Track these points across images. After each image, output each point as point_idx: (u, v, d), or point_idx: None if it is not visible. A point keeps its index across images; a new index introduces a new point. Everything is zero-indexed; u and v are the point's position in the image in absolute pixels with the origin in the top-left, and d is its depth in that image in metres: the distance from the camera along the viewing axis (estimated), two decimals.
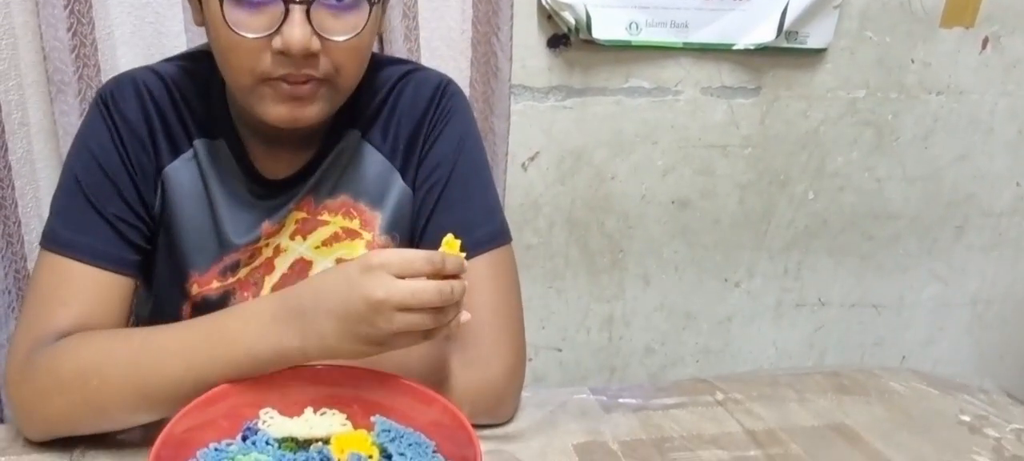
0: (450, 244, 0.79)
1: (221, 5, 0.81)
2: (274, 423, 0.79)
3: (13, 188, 1.27)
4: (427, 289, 0.75)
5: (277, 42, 0.81)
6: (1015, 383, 1.98)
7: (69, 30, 1.21)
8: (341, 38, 0.84)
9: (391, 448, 0.77)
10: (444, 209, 0.99)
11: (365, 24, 0.85)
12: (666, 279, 1.71)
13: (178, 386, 0.79)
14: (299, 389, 0.81)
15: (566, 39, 1.46)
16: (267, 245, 0.99)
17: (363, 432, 0.79)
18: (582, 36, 1.44)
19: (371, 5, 0.85)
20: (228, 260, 0.98)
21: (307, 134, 0.97)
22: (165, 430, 0.72)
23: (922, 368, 1.89)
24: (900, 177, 1.71)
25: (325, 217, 1.00)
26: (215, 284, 0.99)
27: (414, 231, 1.02)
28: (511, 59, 1.38)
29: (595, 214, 1.61)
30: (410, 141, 1.01)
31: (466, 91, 1.40)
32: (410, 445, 0.77)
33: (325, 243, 1.00)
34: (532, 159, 1.54)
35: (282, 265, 1.00)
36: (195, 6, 0.90)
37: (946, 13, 1.57)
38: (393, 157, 1.01)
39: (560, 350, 1.73)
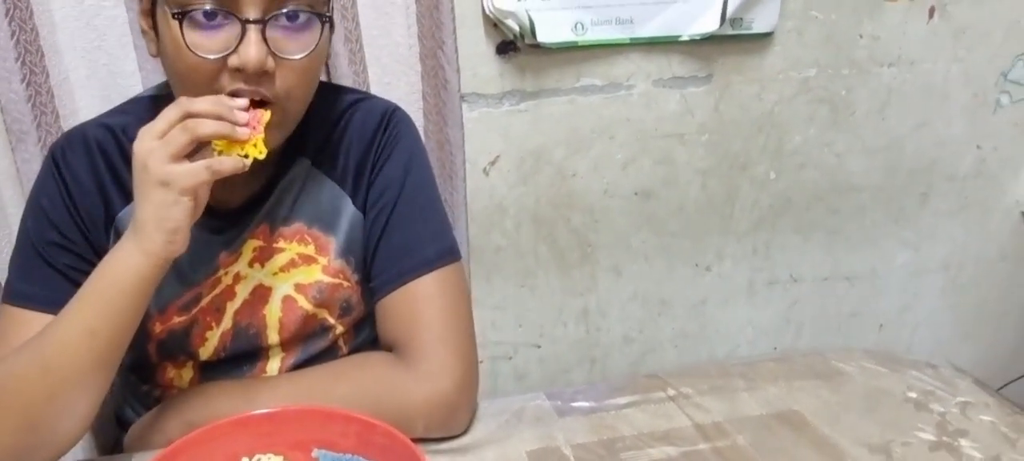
0: None
1: (181, 29, 0.85)
2: None
3: None
4: (167, 111, 0.82)
5: (234, 60, 0.85)
6: (992, 341, 2.01)
7: (23, 81, 1.24)
8: (296, 56, 0.88)
9: None
10: (394, 230, 1.03)
11: (317, 42, 0.89)
12: (637, 269, 1.73)
13: (77, 348, 0.84)
14: (229, 443, 0.84)
15: (514, 45, 1.48)
16: (226, 273, 1.03)
17: None
18: (528, 41, 1.46)
19: (322, 24, 0.89)
20: (189, 295, 1.02)
21: (258, 164, 0.96)
22: None
23: (900, 335, 1.93)
24: (860, 150, 1.73)
25: (281, 244, 1.04)
26: (176, 319, 1.02)
27: (366, 253, 1.05)
28: (458, 70, 1.40)
29: (560, 211, 1.64)
30: (359, 167, 1.05)
31: (419, 104, 1.43)
32: None
33: (282, 269, 1.04)
34: (493, 163, 1.56)
35: (243, 292, 1.03)
36: (151, 37, 0.94)
37: None
38: (343, 183, 1.05)
39: (539, 347, 1.76)
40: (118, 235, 0.97)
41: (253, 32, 0.85)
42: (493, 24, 1.46)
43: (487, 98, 1.51)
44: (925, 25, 1.64)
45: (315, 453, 0.83)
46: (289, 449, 0.84)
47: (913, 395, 1.05)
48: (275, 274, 1.03)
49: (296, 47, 0.88)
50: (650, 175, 1.65)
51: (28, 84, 1.25)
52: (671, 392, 1.06)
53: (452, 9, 1.38)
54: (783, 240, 1.79)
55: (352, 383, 0.96)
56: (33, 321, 0.92)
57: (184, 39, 0.85)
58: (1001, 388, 1.96)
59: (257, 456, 0.84)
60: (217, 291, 1.03)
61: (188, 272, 1.01)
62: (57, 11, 1.27)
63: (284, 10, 0.86)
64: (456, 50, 1.40)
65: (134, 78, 1.33)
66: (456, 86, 1.42)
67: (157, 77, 1.26)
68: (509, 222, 1.63)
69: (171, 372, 1.06)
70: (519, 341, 1.75)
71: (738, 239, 1.76)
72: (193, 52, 0.85)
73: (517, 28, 1.44)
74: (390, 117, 1.07)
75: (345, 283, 1.05)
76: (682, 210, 1.70)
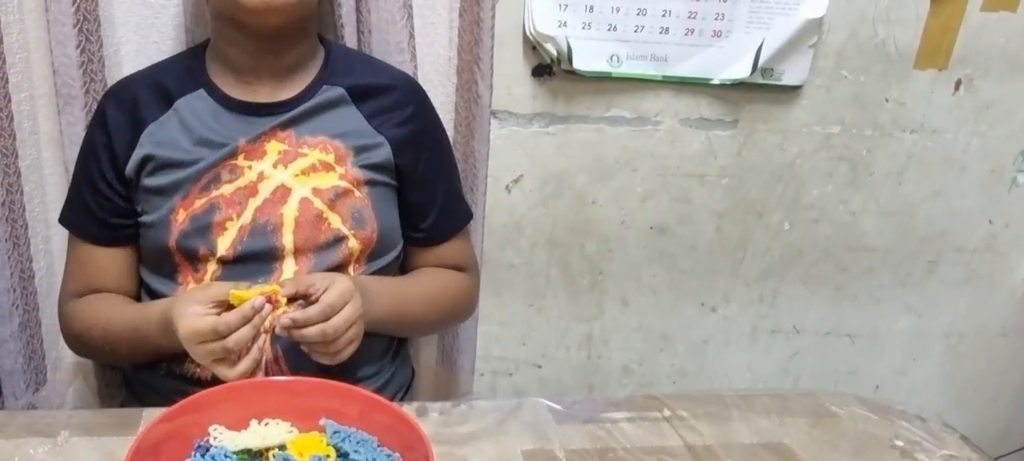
0: (237, 297, 1.00)
1: None
2: (225, 438, 0.86)
3: (22, 193, 1.35)
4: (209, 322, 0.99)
5: None
6: (986, 413, 2.03)
7: (77, 47, 1.30)
8: None
9: (345, 447, 0.85)
10: (441, 185, 1.31)
11: None
12: (644, 301, 1.77)
13: (128, 354, 1.20)
14: (242, 405, 0.89)
15: (549, 69, 1.53)
16: (249, 168, 1.16)
17: (316, 435, 0.87)
18: (564, 67, 1.51)
19: None
20: (208, 176, 1.15)
21: (284, 73, 1.20)
22: None
23: (895, 397, 1.94)
24: (874, 211, 1.77)
25: (305, 150, 1.19)
26: (197, 203, 1.15)
27: (407, 193, 1.27)
28: (491, 87, 1.45)
29: (576, 236, 1.68)
30: (398, 121, 1.25)
31: (451, 115, 1.48)
32: (359, 442, 0.84)
33: (303, 172, 1.18)
34: (515, 182, 1.61)
35: (265, 190, 1.17)
36: None
37: (920, 55, 1.63)
38: (372, 118, 1.23)
39: (540, 367, 1.79)
40: (143, 146, 1.17)
41: None
42: (532, 46, 1.51)
43: (517, 117, 1.56)
44: (950, 96, 1.68)
45: (322, 421, 0.87)
46: (299, 416, 0.88)
47: (900, 443, 1.08)
48: (296, 176, 1.18)
49: None
50: (667, 211, 1.69)
51: (82, 51, 1.30)
52: (667, 413, 1.09)
53: (492, 27, 1.42)
54: (790, 290, 1.82)
55: (442, 282, 1.32)
56: (79, 245, 1.23)
57: None
58: None
59: (267, 420, 0.88)
60: (240, 182, 1.16)
61: (207, 145, 1.17)
62: None
63: None
64: (492, 68, 1.45)
65: None
66: (487, 102, 1.46)
67: None
68: (525, 241, 1.67)
69: (190, 286, 1.16)
70: (521, 359, 1.78)
71: (746, 284, 1.79)
72: None
73: (555, 53, 1.49)
74: (424, 94, 1.33)
75: (357, 193, 1.19)
76: (694, 249, 1.74)
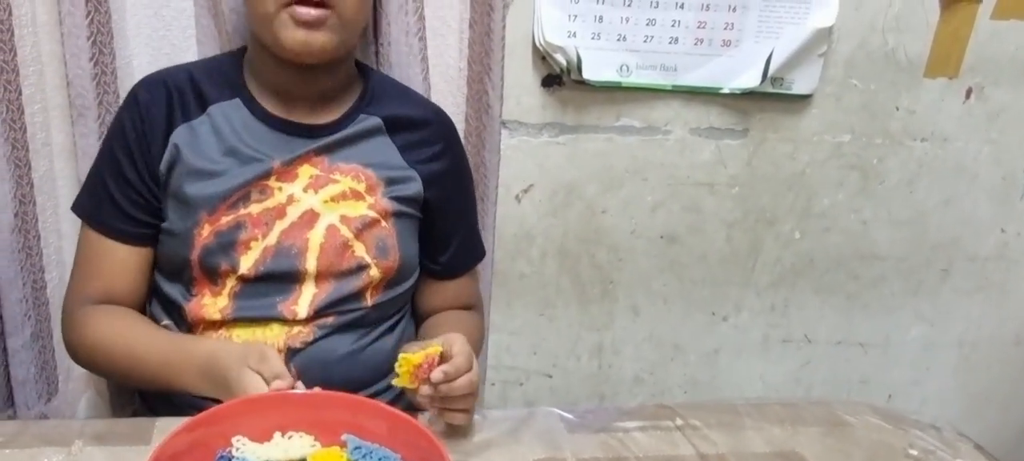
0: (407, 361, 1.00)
1: None
2: (247, 449, 0.86)
3: (35, 204, 1.36)
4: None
5: None
6: (1000, 423, 2.02)
7: (91, 59, 1.30)
8: None
9: None
10: (463, 222, 1.35)
11: None
12: (655, 311, 1.77)
13: (147, 383, 1.16)
14: (265, 417, 0.89)
15: (559, 79, 1.53)
16: (280, 189, 1.15)
17: (337, 449, 0.87)
18: (574, 77, 1.51)
19: None
20: (239, 193, 1.14)
21: (320, 97, 1.19)
22: None
23: (908, 407, 1.94)
24: (886, 220, 1.76)
25: (337, 177, 1.18)
26: (224, 219, 1.13)
27: (429, 226, 1.28)
28: (502, 97, 1.46)
29: (586, 246, 1.68)
30: (430, 156, 1.26)
31: (461, 125, 1.48)
32: (380, 459, 0.84)
33: (333, 199, 1.18)
34: (525, 191, 1.61)
35: (293, 213, 1.16)
36: None
37: (930, 64, 1.63)
38: (407, 156, 1.24)
39: (551, 376, 1.79)
40: (175, 147, 1.15)
41: None
42: (541, 57, 1.51)
43: (527, 127, 1.56)
44: (961, 104, 1.68)
45: (344, 437, 0.87)
46: (321, 430, 0.88)
47: (914, 452, 1.07)
48: (325, 202, 1.17)
49: None
50: (678, 220, 1.69)
51: (95, 63, 1.31)
52: (679, 422, 1.09)
53: (503, 38, 1.43)
54: (801, 299, 1.81)
55: (473, 325, 1.33)
56: (95, 240, 1.17)
57: None
58: None
59: (290, 432, 0.88)
60: (268, 203, 1.15)
61: (241, 159, 1.15)
62: None
63: None
64: (502, 78, 1.45)
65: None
66: (498, 112, 1.47)
67: None
68: (535, 251, 1.67)
69: (207, 300, 1.15)
70: (532, 368, 1.78)
71: (757, 293, 1.79)
72: None
73: (564, 63, 1.50)
74: (455, 130, 1.34)
75: (384, 223, 1.19)
76: (705, 258, 1.73)
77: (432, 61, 1.44)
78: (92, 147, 1.32)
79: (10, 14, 1.28)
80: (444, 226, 1.30)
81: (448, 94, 1.46)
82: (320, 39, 1.09)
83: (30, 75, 1.31)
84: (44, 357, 1.41)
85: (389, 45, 1.38)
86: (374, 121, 1.22)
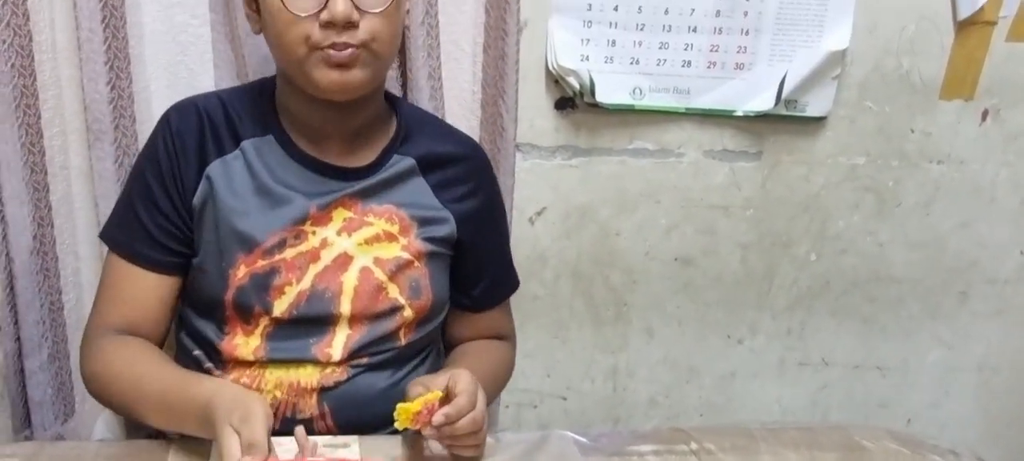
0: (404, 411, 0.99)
1: None
2: None
3: (52, 226, 1.37)
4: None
5: (325, 15, 1.03)
6: (1021, 449, 1.99)
7: (108, 84, 1.32)
8: (375, 9, 1.06)
9: None
10: (496, 256, 1.34)
11: None
12: (669, 333, 1.76)
13: (151, 421, 1.09)
14: None
15: (572, 102, 1.54)
16: (314, 233, 1.14)
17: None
18: (587, 100, 1.52)
19: None
20: (275, 238, 1.13)
21: (353, 136, 1.18)
22: None
23: (928, 431, 1.92)
24: (902, 242, 1.75)
25: (370, 219, 1.17)
26: (260, 263, 1.12)
27: (461, 261, 1.27)
28: (516, 120, 1.46)
29: (600, 268, 1.68)
30: (463, 194, 1.25)
31: None
32: None
33: (367, 241, 1.17)
34: (539, 214, 1.61)
35: (326, 257, 1.15)
36: (254, 18, 1.14)
37: (945, 85, 1.62)
38: (438, 192, 1.23)
39: (565, 399, 1.79)
40: (209, 182, 1.13)
41: None
42: (554, 80, 1.52)
43: (541, 150, 1.57)
44: (977, 127, 1.67)
45: None
46: None
47: None
48: (359, 245, 1.17)
49: (375, 1, 1.05)
50: (692, 243, 1.69)
51: (112, 88, 1.33)
52: (694, 446, 1.09)
53: (517, 62, 1.44)
54: (818, 322, 1.80)
55: (499, 357, 1.34)
56: (122, 268, 1.15)
57: (283, 2, 1.03)
58: None
59: None
60: (302, 248, 1.14)
61: (278, 213, 1.14)
62: (148, 24, 1.35)
63: None
64: (516, 101, 1.46)
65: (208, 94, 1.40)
66: (512, 135, 1.48)
67: None
68: (549, 273, 1.67)
69: (239, 339, 1.14)
70: (545, 391, 1.78)
71: (773, 316, 1.78)
72: (289, 9, 1.03)
73: (577, 86, 1.50)
74: (487, 162, 1.34)
75: (417, 264, 1.18)
76: (720, 281, 1.73)
77: (446, 84, 1.45)
78: (109, 170, 1.34)
79: (30, 40, 1.29)
80: (476, 262, 1.29)
81: (462, 118, 1.47)
82: (355, 78, 1.07)
83: (49, 99, 1.33)
84: (61, 378, 1.43)
85: (408, 64, 1.40)
86: (408, 162, 1.21)
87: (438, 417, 0.97)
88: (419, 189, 1.21)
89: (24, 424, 1.42)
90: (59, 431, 1.44)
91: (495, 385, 1.32)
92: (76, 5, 1.29)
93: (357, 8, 1.03)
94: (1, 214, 1.33)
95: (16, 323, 1.37)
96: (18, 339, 1.38)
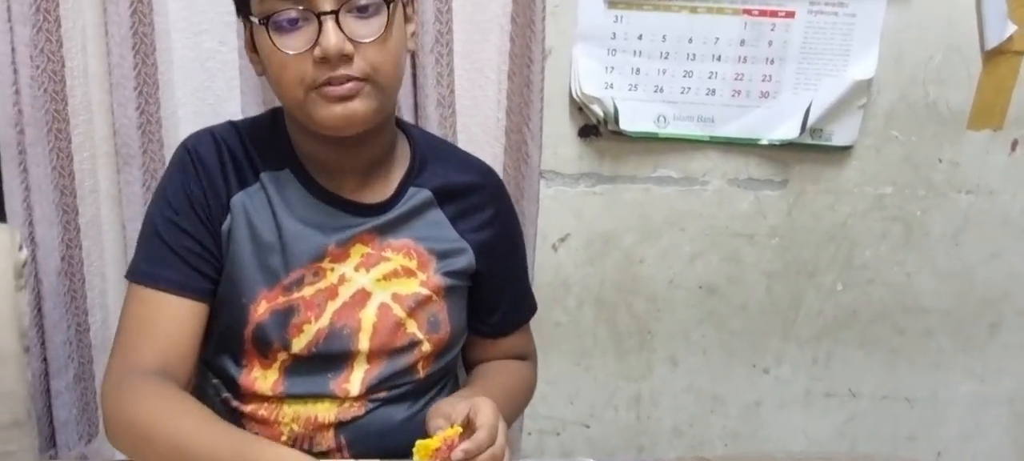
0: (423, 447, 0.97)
1: (270, 35, 1.00)
2: None
3: (80, 248, 1.40)
4: None
5: (317, 52, 0.99)
6: None
7: (137, 109, 1.34)
8: (368, 39, 1.01)
9: None
10: (514, 282, 1.31)
11: (387, 24, 1.02)
12: (694, 362, 1.75)
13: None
14: None
15: (596, 129, 1.54)
16: (332, 270, 1.13)
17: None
18: (611, 127, 1.52)
19: (389, 7, 1.02)
20: (294, 276, 1.11)
21: (367, 169, 1.15)
22: None
23: None
24: (930, 273, 1.73)
25: (388, 254, 1.15)
26: (281, 299, 1.11)
27: (478, 290, 1.25)
28: (540, 147, 1.47)
29: (623, 296, 1.68)
30: (478, 223, 1.22)
31: (499, 175, 1.49)
32: None
33: (385, 277, 1.15)
34: (562, 240, 1.61)
35: (344, 294, 1.13)
36: (256, 61, 1.10)
37: (973, 115, 1.61)
38: (456, 222, 1.20)
39: (588, 427, 1.78)
40: (233, 219, 1.11)
41: (329, 22, 0.98)
42: (578, 107, 1.52)
43: (564, 177, 1.57)
44: (1007, 157, 1.65)
45: None
46: None
47: None
48: (377, 281, 1.14)
49: (368, 31, 1.01)
50: (717, 271, 1.68)
51: (141, 113, 1.35)
52: None
53: (541, 90, 1.44)
54: (845, 353, 1.78)
55: (520, 377, 1.32)
56: (153, 299, 1.08)
57: (274, 43, 1.00)
58: None
59: None
60: (321, 285, 1.12)
61: (297, 251, 1.11)
62: (176, 50, 1.38)
63: (354, 2, 1.00)
64: (541, 129, 1.46)
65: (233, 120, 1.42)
66: (536, 162, 1.48)
67: None
68: (572, 300, 1.67)
69: (256, 373, 1.13)
70: (568, 419, 1.77)
71: (799, 346, 1.76)
72: (282, 51, 1.00)
73: (601, 114, 1.50)
74: (501, 185, 1.30)
75: (436, 298, 1.17)
76: (745, 309, 1.72)
77: (469, 112, 1.46)
78: (136, 194, 1.36)
79: (63, 66, 1.33)
80: (495, 290, 1.27)
81: (485, 144, 1.48)
82: (358, 109, 1.03)
83: (79, 124, 1.36)
84: (85, 399, 1.45)
85: (423, 87, 1.41)
86: (424, 195, 1.18)
87: (458, 454, 0.95)
88: (437, 221, 1.19)
89: (49, 444, 1.45)
90: (83, 451, 1.46)
91: (515, 406, 1.31)
92: (108, 32, 1.32)
93: (350, 40, 0.99)
94: (31, 236, 1.35)
95: (43, 344, 1.39)
96: (45, 359, 1.40)
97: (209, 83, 1.40)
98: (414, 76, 1.41)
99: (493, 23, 1.43)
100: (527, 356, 1.38)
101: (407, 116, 1.43)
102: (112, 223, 1.42)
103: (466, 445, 0.96)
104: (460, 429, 0.99)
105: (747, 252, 1.67)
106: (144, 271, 1.09)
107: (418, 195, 1.17)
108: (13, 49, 1.29)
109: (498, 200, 1.26)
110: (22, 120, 1.32)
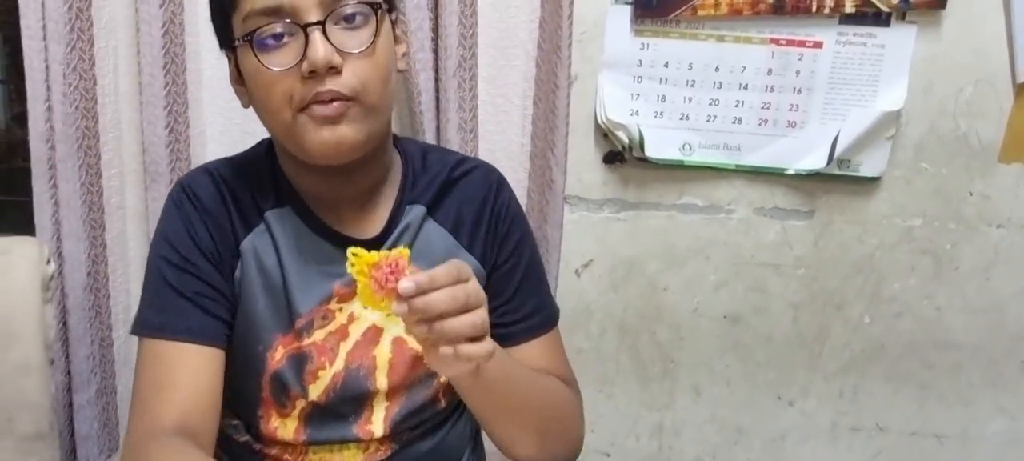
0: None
1: (256, 56, 0.96)
2: None
3: (106, 264, 1.42)
4: None
5: (305, 65, 0.94)
6: None
7: (166, 127, 1.36)
8: (357, 51, 0.96)
9: None
10: (527, 289, 1.18)
11: (375, 36, 0.98)
12: (718, 392, 1.73)
13: None
14: None
15: (621, 156, 1.54)
16: (341, 310, 1.08)
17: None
18: (636, 154, 1.52)
19: (375, 14, 0.98)
20: (303, 320, 1.07)
21: (377, 206, 1.10)
22: None
23: None
24: (961, 307, 1.70)
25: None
26: (294, 344, 1.07)
27: (488, 289, 1.10)
28: (565, 173, 1.47)
29: (647, 323, 1.67)
30: (475, 222, 1.15)
31: (523, 200, 1.49)
32: None
33: None
34: (586, 266, 1.61)
35: (355, 332, 1.09)
36: (242, 92, 1.06)
37: (1005, 148, 1.58)
38: (457, 234, 1.14)
39: (609, 455, 1.76)
40: (244, 259, 1.06)
41: (315, 33, 0.94)
42: (603, 134, 1.52)
43: (588, 203, 1.57)
44: None
45: None
46: None
47: None
48: (388, 315, 1.05)
49: (356, 42, 0.97)
50: (742, 301, 1.66)
51: (170, 131, 1.37)
52: None
53: (567, 116, 1.44)
54: (872, 386, 1.76)
55: (550, 381, 1.15)
56: (167, 352, 1.01)
57: (260, 61, 0.96)
58: None
59: None
60: (331, 327, 1.08)
61: (304, 296, 1.06)
62: (206, 71, 1.40)
63: (339, 10, 0.96)
64: (565, 154, 1.46)
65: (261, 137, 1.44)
66: (561, 188, 1.48)
67: None
68: (594, 326, 1.66)
69: (275, 421, 1.10)
70: (589, 446, 1.74)
71: (825, 378, 1.74)
72: (269, 68, 0.95)
73: (627, 140, 1.50)
74: (500, 181, 1.20)
75: None
76: (770, 340, 1.70)
77: (494, 137, 1.47)
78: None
79: (95, 84, 1.35)
80: (508, 292, 1.17)
81: (509, 169, 1.47)
82: (347, 134, 0.97)
83: (109, 141, 1.38)
84: (107, 413, 1.46)
85: (446, 112, 1.41)
86: (418, 211, 1.12)
87: (406, 283, 0.81)
88: (435, 234, 1.13)
89: (70, 457, 1.46)
90: None
91: (540, 401, 1.12)
92: (140, 53, 1.34)
93: (338, 51, 0.95)
94: (58, 251, 1.37)
95: (67, 357, 1.41)
96: (69, 373, 1.42)
97: (237, 103, 1.40)
98: (437, 100, 1.41)
99: (519, 49, 1.44)
100: (562, 378, 1.20)
101: (429, 140, 1.43)
102: (138, 240, 1.44)
103: (418, 276, 0.82)
104: (407, 250, 0.84)
105: (773, 282, 1.65)
106: (154, 323, 1.03)
107: (412, 212, 1.12)
108: (47, 67, 1.31)
109: (497, 198, 1.18)
110: (53, 136, 1.34)
